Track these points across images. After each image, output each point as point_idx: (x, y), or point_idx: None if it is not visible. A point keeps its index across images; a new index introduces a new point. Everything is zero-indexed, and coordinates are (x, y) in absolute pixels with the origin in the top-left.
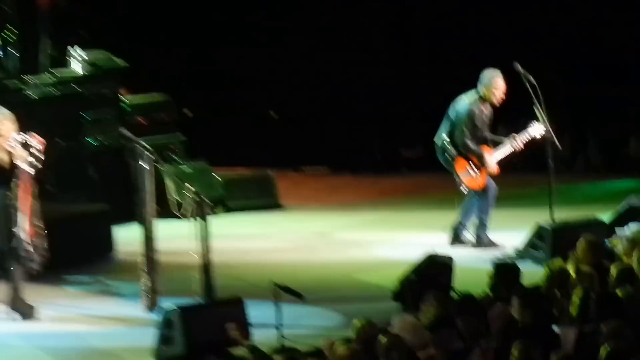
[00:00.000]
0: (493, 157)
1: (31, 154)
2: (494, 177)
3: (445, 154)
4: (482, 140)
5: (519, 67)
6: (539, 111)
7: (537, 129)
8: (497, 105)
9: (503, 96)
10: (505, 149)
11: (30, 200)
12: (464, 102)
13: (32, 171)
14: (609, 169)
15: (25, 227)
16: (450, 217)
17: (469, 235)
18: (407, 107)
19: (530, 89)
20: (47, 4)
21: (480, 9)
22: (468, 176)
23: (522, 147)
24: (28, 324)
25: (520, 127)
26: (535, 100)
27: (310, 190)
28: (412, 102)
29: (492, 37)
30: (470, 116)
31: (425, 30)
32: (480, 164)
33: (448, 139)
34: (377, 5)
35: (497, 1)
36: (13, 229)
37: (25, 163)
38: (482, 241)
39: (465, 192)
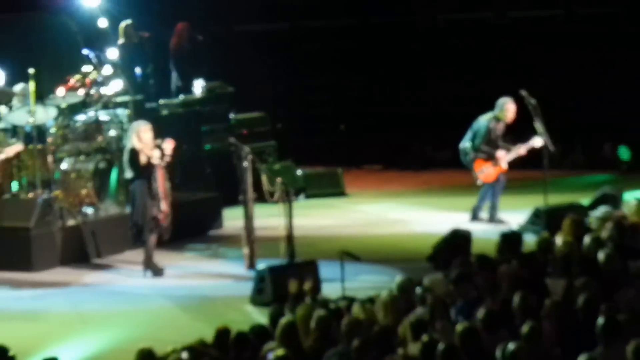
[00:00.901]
0: (504, 160)
1: (164, 155)
2: (503, 173)
3: (467, 157)
4: (495, 148)
5: (523, 92)
6: (538, 125)
7: (537, 141)
8: (509, 123)
9: (513, 117)
10: (513, 154)
11: (164, 188)
12: (484, 119)
13: (164, 166)
14: (589, 167)
15: (160, 207)
16: (469, 202)
17: (483, 214)
18: (439, 120)
19: (531, 109)
20: (177, 45)
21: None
22: (483, 173)
23: (525, 153)
24: (157, 279)
25: (525, 138)
26: (535, 117)
27: (367, 182)
28: (444, 117)
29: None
30: (487, 130)
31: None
32: (493, 164)
33: (469, 146)
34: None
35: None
36: (149, 209)
37: (160, 161)
38: (493, 219)
39: (480, 185)
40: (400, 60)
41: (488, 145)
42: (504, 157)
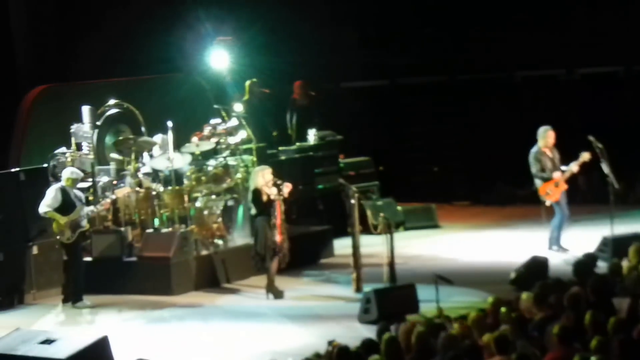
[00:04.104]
0: (561, 179)
1: (280, 191)
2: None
3: (534, 187)
4: (551, 171)
5: (591, 138)
6: (605, 166)
7: (585, 156)
8: (551, 146)
9: (554, 141)
10: (567, 173)
11: (281, 221)
12: (532, 151)
13: (282, 203)
14: None
15: (279, 238)
16: (546, 233)
17: (557, 244)
18: (520, 161)
19: (599, 152)
20: (294, 99)
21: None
22: (548, 195)
23: (578, 169)
24: (278, 301)
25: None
26: (602, 159)
27: (458, 216)
28: (524, 158)
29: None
30: (537, 159)
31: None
32: (554, 185)
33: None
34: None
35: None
36: (270, 240)
37: (278, 196)
38: (560, 247)
39: (548, 205)
40: (482, 110)
41: (545, 172)
42: (561, 177)
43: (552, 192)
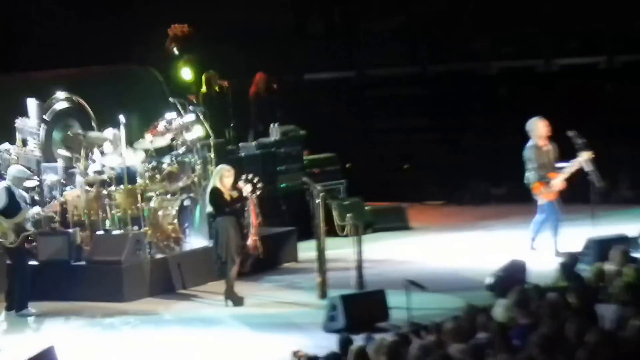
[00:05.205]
0: (558, 180)
1: (255, 189)
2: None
3: (527, 184)
4: (549, 169)
5: (570, 133)
6: (571, 166)
7: (584, 155)
8: (545, 138)
9: (545, 131)
10: (566, 173)
11: (255, 221)
12: (527, 147)
13: (254, 199)
14: (635, 201)
15: (252, 241)
16: (524, 234)
17: (540, 243)
18: (495, 157)
19: (579, 148)
20: (255, 92)
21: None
22: (541, 194)
23: (577, 169)
24: (238, 308)
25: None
26: (584, 155)
27: (430, 216)
28: (499, 154)
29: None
30: (531, 154)
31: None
32: (550, 185)
33: (526, 174)
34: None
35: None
36: (235, 243)
37: (250, 193)
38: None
39: (540, 204)
40: (456, 105)
41: (542, 169)
42: (558, 177)
43: (548, 191)
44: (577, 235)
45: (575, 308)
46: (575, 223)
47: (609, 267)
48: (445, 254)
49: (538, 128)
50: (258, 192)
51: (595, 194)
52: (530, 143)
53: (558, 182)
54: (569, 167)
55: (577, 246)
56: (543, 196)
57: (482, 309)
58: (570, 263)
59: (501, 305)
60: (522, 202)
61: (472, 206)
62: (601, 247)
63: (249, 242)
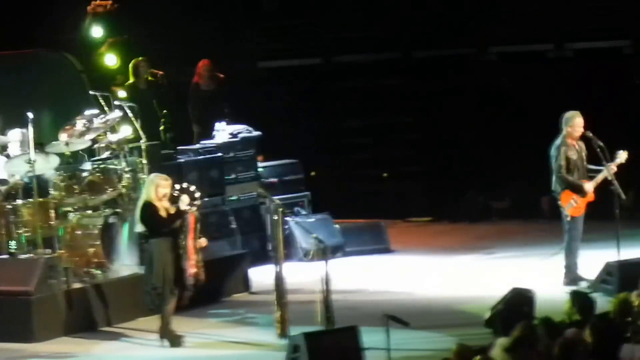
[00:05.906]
0: (590, 189)
1: (194, 200)
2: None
3: (554, 193)
4: (581, 174)
5: (589, 134)
6: (607, 169)
7: (622, 156)
8: (577, 139)
9: (582, 130)
10: (600, 178)
11: (194, 243)
12: (555, 144)
13: (196, 212)
14: None
15: (192, 267)
16: (531, 258)
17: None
18: (496, 164)
19: (599, 152)
20: (196, 84)
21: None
22: (571, 207)
23: (614, 171)
24: (176, 350)
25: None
26: (604, 161)
27: (414, 236)
28: (501, 162)
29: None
30: (561, 153)
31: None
32: (581, 195)
33: (553, 179)
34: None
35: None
36: (172, 269)
37: (189, 206)
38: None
39: (567, 220)
40: (446, 99)
41: (572, 174)
42: (591, 186)
43: (579, 202)
44: (597, 258)
45: (594, 349)
46: (594, 244)
47: (637, 298)
48: (433, 282)
49: (575, 124)
50: (197, 206)
51: (619, 209)
52: (559, 140)
53: (590, 188)
54: (609, 172)
55: (594, 272)
56: (572, 211)
57: (478, 349)
58: (585, 296)
59: (502, 345)
60: (528, 219)
61: (466, 224)
62: (626, 273)
63: (188, 268)
